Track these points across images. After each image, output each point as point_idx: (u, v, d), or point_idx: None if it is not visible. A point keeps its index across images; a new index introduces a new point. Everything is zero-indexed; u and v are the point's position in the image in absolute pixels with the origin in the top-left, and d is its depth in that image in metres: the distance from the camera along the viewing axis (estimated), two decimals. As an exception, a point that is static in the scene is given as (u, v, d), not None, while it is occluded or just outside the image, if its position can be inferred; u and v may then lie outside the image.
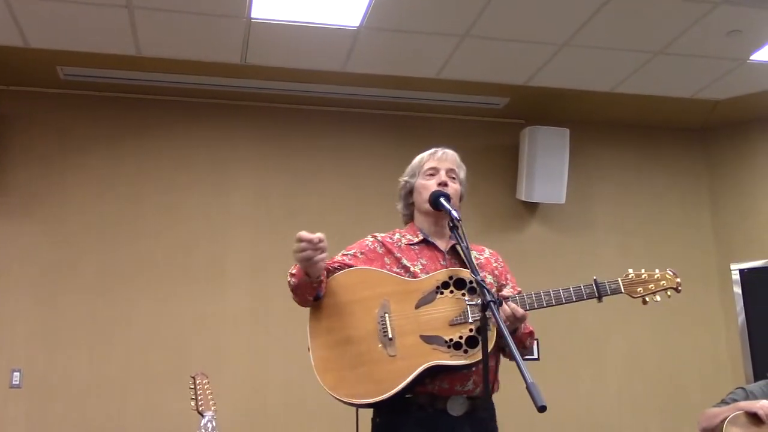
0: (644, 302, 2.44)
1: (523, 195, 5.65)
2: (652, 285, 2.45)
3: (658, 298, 2.45)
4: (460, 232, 2.24)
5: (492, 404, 2.35)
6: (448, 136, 5.58)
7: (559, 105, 5.62)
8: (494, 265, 2.55)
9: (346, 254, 2.45)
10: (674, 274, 2.48)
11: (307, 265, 2.19)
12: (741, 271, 5.78)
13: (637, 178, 6.04)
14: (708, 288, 5.91)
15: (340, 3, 4.24)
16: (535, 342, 5.40)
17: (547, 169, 5.57)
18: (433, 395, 2.26)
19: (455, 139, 5.57)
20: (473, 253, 2.49)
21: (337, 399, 2.22)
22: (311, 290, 2.27)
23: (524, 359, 1.84)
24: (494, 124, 5.85)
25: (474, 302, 2.26)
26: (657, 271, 2.48)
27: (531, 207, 5.79)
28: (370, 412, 2.40)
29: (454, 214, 2.27)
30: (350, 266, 2.38)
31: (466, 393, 2.29)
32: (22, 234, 4.96)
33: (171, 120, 5.34)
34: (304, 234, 2.17)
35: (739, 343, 5.71)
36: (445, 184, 2.47)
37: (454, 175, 2.52)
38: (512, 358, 1.85)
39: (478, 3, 4.19)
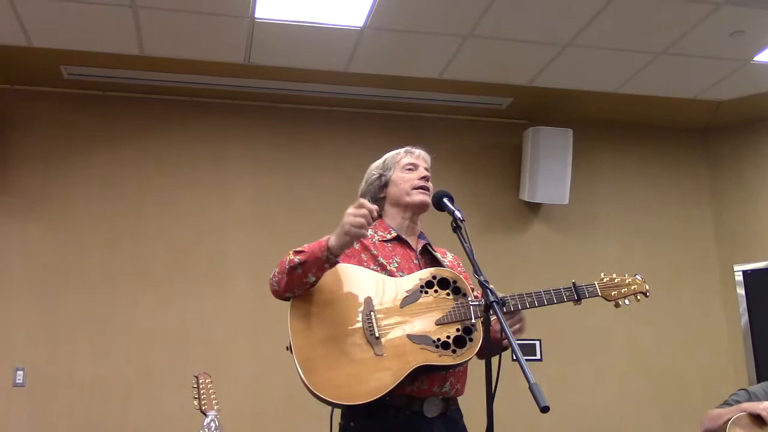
0: (616, 305, 2.52)
1: (525, 195, 5.65)
2: (624, 289, 2.52)
3: (627, 301, 2.53)
4: (463, 232, 2.22)
5: (458, 404, 2.38)
6: (450, 136, 5.62)
7: (563, 105, 5.62)
8: (459, 268, 2.53)
9: None
10: (643, 279, 2.56)
11: (356, 235, 2.14)
12: (744, 272, 5.77)
13: (640, 179, 6.03)
14: (711, 289, 5.90)
15: (344, 3, 4.24)
16: (538, 342, 5.46)
17: (550, 170, 5.57)
18: (410, 397, 2.22)
19: (458, 140, 5.66)
20: (437, 255, 2.51)
21: (321, 399, 2.15)
22: (320, 270, 2.19)
23: (526, 359, 1.83)
24: (497, 125, 5.85)
25: (477, 302, 2.24)
26: (627, 275, 2.56)
27: (534, 207, 5.79)
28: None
29: (458, 214, 2.25)
30: None
31: (443, 395, 2.28)
32: (26, 233, 4.96)
33: (174, 119, 5.34)
34: (367, 202, 2.17)
35: (742, 345, 5.71)
36: (426, 179, 2.49)
37: (428, 173, 2.54)
38: (500, 352, 1.85)
39: (481, 3, 4.19)
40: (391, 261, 2.37)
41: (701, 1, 4.20)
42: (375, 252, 2.38)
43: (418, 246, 2.50)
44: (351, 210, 2.15)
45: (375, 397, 2.12)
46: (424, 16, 4.32)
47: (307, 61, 4.87)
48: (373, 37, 4.55)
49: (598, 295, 2.49)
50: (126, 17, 4.26)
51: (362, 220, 2.13)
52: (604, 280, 2.52)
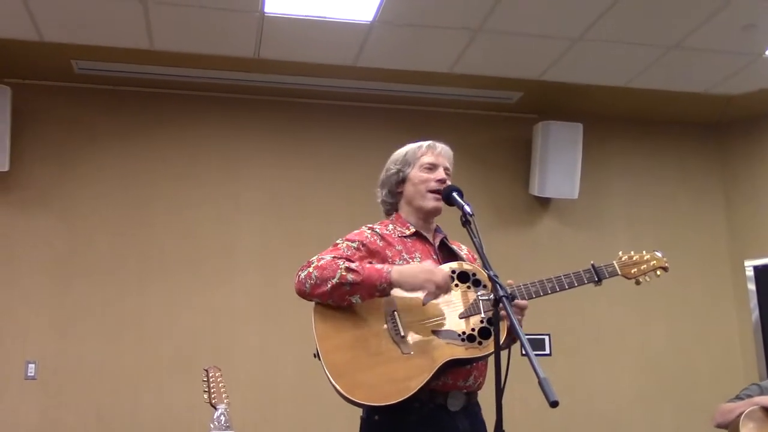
0: (637, 283, 2.54)
1: (535, 190, 5.64)
2: (644, 266, 2.55)
3: (648, 278, 2.55)
4: (472, 226, 2.21)
5: (477, 398, 2.39)
6: (460, 130, 5.61)
7: (573, 100, 5.60)
8: (476, 264, 2.54)
9: (351, 245, 2.35)
10: (662, 255, 2.58)
11: (430, 294, 2.19)
12: (755, 267, 5.74)
13: (650, 174, 6.01)
14: (721, 284, 5.88)
15: (353, -3, 4.24)
16: (547, 337, 5.45)
17: (560, 164, 5.55)
18: (433, 391, 2.23)
19: (468, 134, 5.65)
20: (454, 248, 2.52)
21: (353, 402, 2.14)
22: (370, 296, 2.20)
23: (535, 354, 1.83)
24: (507, 119, 5.84)
25: (486, 297, 2.24)
26: (644, 252, 2.58)
27: (543, 202, 5.78)
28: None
29: (467, 208, 2.25)
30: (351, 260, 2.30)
31: (467, 388, 2.29)
32: (36, 227, 4.99)
33: (184, 113, 5.36)
34: (449, 285, 2.21)
35: (753, 340, 5.68)
36: (443, 181, 2.47)
37: (449, 173, 2.53)
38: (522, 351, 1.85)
39: (491, -3, 4.18)
40: (413, 257, 2.38)
41: (713, -5, 4.17)
42: (400, 248, 2.39)
43: (436, 241, 2.51)
44: (441, 281, 2.18)
45: (406, 396, 2.12)
46: (433, 10, 4.31)
47: (317, 56, 4.87)
48: (382, 31, 4.54)
49: (618, 274, 2.50)
50: (136, 12, 4.27)
51: (440, 292, 2.19)
52: (623, 259, 2.55)
